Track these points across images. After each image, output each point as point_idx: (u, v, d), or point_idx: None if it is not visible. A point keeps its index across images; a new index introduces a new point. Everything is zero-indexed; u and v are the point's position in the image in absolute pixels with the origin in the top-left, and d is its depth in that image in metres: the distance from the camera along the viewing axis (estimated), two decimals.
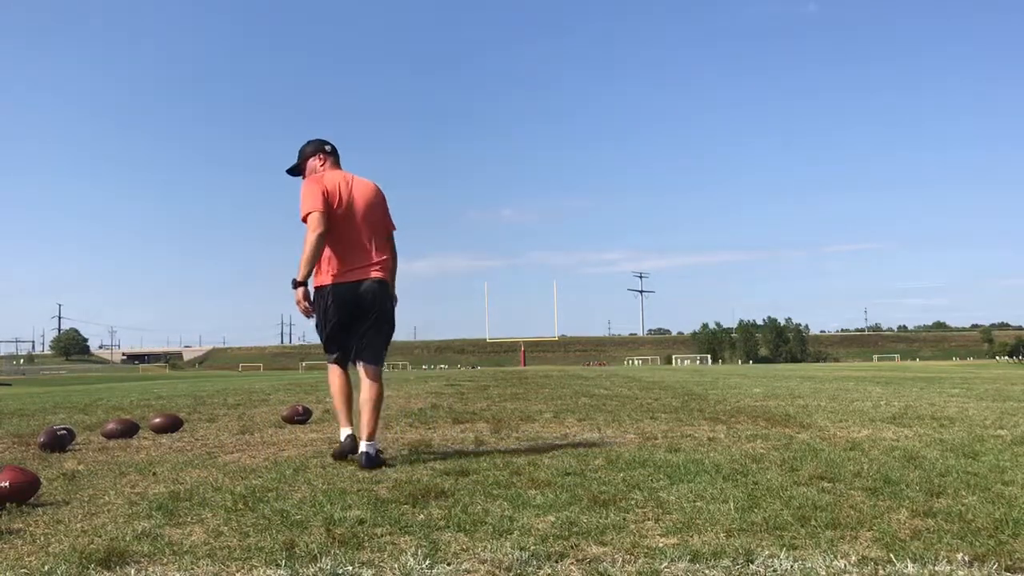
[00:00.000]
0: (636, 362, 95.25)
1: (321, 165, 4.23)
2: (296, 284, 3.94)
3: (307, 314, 4.01)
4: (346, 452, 3.96)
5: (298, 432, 5.57)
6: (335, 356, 4.15)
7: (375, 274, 4.04)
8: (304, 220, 3.94)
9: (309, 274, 3.96)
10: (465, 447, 4.56)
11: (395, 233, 4.31)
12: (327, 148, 4.29)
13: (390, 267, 4.17)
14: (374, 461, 3.78)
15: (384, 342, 4.13)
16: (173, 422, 5.67)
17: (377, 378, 4.04)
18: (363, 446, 3.84)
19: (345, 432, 4.05)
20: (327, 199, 3.97)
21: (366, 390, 4.00)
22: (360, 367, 4.06)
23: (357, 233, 4.03)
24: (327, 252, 4.00)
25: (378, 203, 4.17)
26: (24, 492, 3.00)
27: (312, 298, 4.03)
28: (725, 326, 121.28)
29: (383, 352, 4.13)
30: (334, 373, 4.18)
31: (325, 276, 4.04)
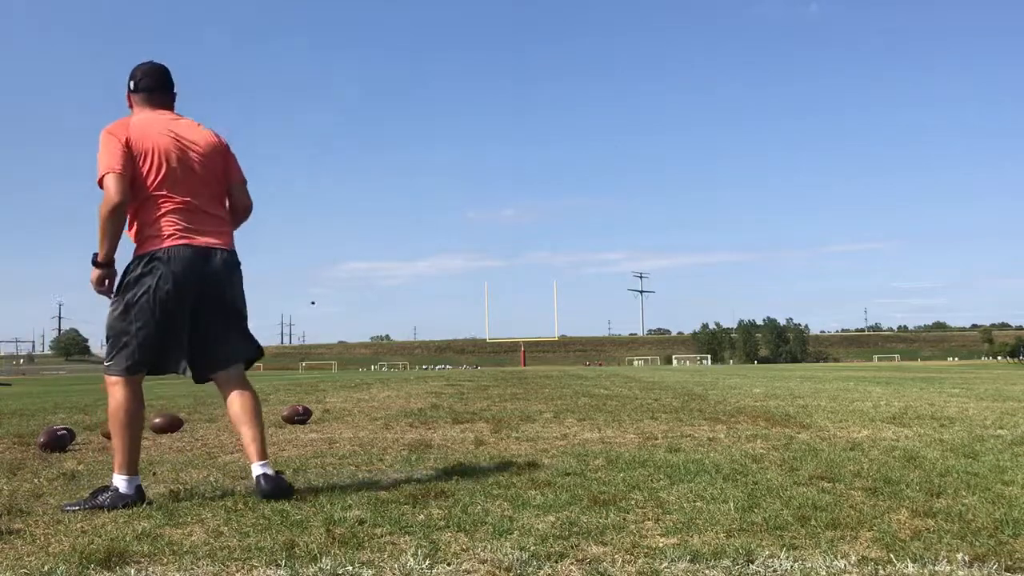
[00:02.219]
0: (638, 362, 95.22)
1: (129, 106, 3.22)
2: (97, 263, 3.01)
3: (108, 295, 3.06)
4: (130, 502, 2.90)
5: (298, 432, 5.57)
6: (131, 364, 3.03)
7: (215, 242, 3.12)
8: (100, 185, 2.95)
9: (111, 251, 2.99)
10: (465, 447, 4.56)
11: None
12: (137, 80, 3.19)
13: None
14: (278, 484, 2.99)
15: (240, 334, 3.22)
16: (173, 422, 5.67)
17: (247, 383, 3.20)
18: (258, 468, 3.03)
19: (125, 481, 2.96)
20: (129, 155, 2.99)
21: (237, 401, 3.13)
22: (221, 376, 3.19)
23: (186, 192, 3.08)
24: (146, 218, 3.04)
25: (214, 154, 3.19)
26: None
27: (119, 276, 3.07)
28: (725, 326, 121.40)
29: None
30: (127, 389, 3.03)
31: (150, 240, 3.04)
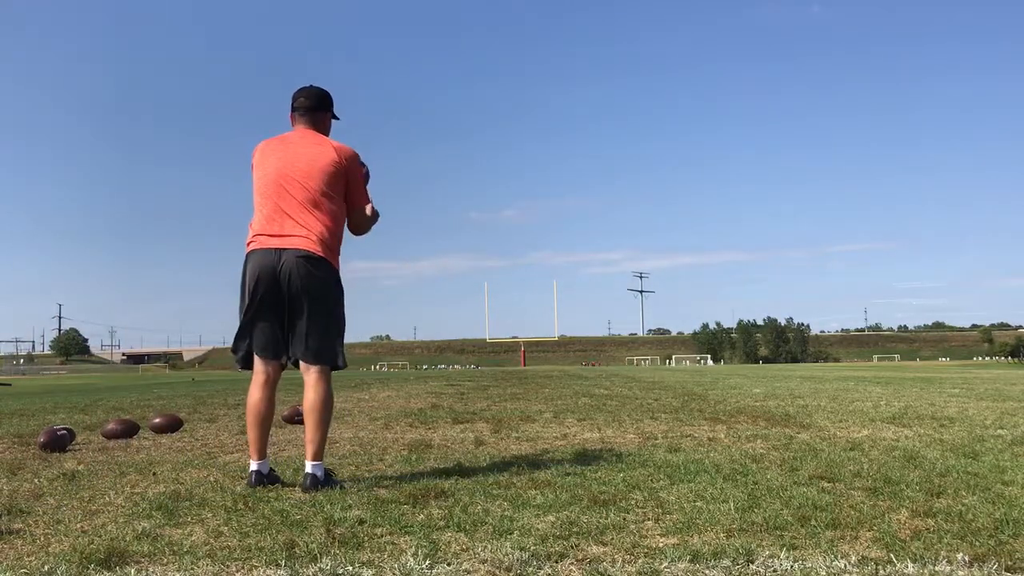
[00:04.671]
0: (641, 362, 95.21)
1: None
2: None
3: None
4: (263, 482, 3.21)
5: (298, 432, 5.56)
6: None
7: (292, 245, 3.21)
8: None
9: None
10: (465, 447, 4.56)
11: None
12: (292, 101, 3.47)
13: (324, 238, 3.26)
14: (315, 484, 3.15)
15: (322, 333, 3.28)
16: (173, 422, 5.67)
17: (317, 382, 3.26)
18: (307, 466, 3.22)
19: (253, 464, 3.26)
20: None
21: (306, 398, 3.26)
22: (302, 368, 3.32)
23: (274, 199, 3.26)
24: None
25: (321, 165, 3.28)
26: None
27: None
28: (725, 326, 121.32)
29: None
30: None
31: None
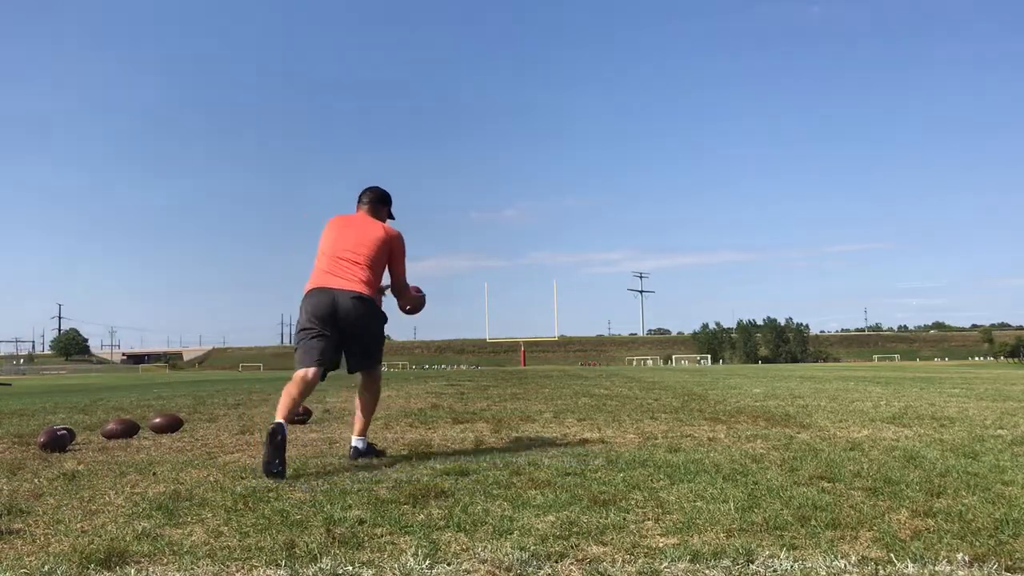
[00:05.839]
0: (641, 362, 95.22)
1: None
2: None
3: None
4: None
5: (298, 432, 5.56)
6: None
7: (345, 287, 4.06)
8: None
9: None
10: (465, 447, 4.56)
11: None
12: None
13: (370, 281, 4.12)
14: (359, 454, 4.10)
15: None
16: (173, 422, 5.67)
17: (369, 383, 4.32)
18: (353, 440, 4.17)
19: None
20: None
21: (360, 395, 4.31)
22: (358, 375, 4.34)
23: (331, 253, 4.15)
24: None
25: (373, 237, 4.16)
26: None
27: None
28: (725, 326, 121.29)
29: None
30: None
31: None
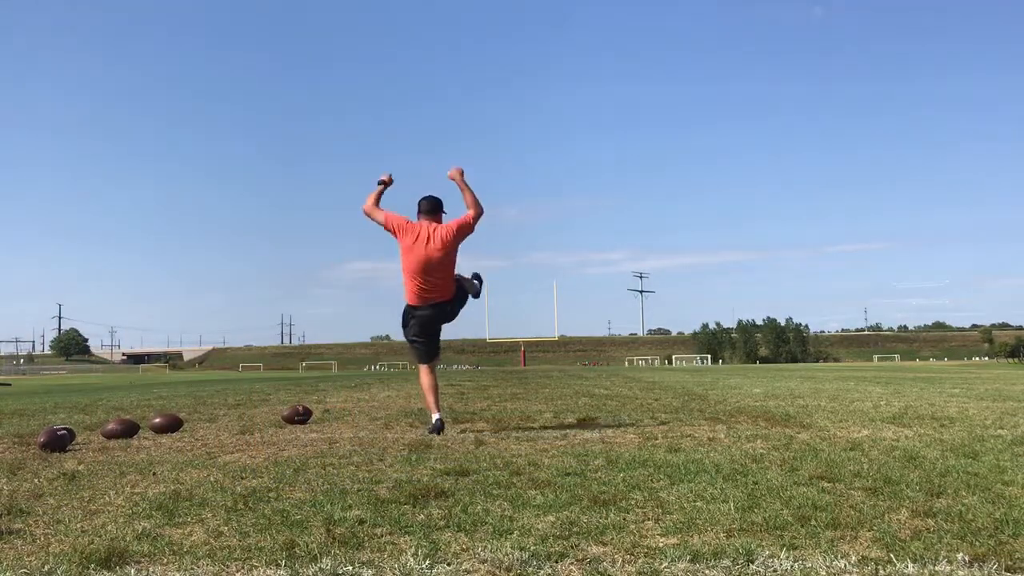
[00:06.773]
0: (641, 362, 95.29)
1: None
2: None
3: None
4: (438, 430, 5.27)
5: (298, 432, 5.57)
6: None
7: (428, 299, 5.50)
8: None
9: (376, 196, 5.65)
10: (465, 447, 4.56)
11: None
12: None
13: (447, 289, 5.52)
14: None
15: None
16: (173, 422, 5.67)
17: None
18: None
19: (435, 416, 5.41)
20: (392, 224, 5.47)
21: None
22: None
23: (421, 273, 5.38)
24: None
25: (446, 241, 5.37)
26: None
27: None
28: (725, 326, 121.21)
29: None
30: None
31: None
